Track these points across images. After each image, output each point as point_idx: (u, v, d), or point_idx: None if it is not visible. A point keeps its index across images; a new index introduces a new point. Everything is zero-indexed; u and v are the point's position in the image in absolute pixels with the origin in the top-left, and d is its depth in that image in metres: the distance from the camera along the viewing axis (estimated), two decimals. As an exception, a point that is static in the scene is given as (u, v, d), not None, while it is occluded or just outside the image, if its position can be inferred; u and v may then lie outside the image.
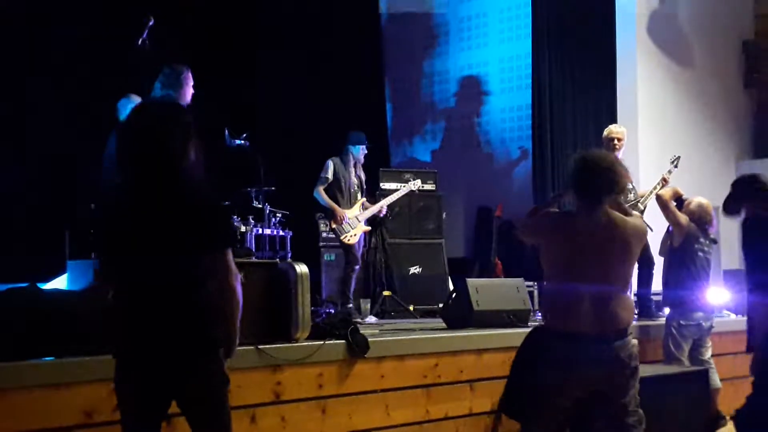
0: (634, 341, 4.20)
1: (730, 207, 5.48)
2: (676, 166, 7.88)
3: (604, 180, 4.11)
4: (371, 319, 7.86)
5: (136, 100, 5.82)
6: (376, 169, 9.11)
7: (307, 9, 10.49)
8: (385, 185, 9.27)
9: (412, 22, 12.42)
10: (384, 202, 8.37)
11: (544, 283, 4.32)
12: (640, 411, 4.20)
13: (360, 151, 8.08)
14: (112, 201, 3.41)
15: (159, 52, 5.64)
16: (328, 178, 7.97)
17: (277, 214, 8.37)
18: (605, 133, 7.92)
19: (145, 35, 5.49)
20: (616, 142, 7.70)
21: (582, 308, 4.04)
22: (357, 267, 8.06)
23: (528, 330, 5.40)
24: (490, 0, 11.69)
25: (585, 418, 4.24)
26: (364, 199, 8.19)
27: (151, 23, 5.50)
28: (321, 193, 7.96)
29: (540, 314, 4.40)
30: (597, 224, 4.11)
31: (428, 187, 9.53)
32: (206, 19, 9.53)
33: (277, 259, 7.36)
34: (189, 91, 6.08)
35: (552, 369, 4.10)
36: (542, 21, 10.20)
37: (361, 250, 8.16)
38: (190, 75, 6.09)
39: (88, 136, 7.82)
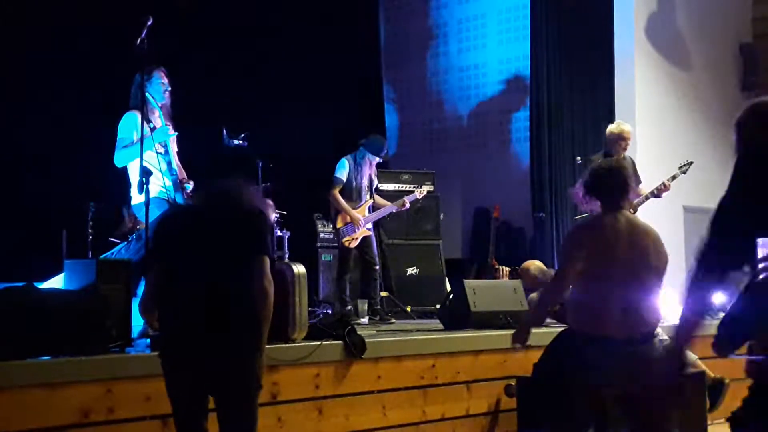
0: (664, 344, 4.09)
1: None
2: (684, 173, 7.76)
3: (620, 183, 4.23)
4: (367, 320, 7.85)
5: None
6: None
7: (305, 7, 10.48)
8: (383, 186, 9.27)
9: (411, 23, 12.42)
10: (386, 210, 8.21)
11: (571, 288, 4.28)
12: None
13: (375, 159, 7.96)
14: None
15: (157, 52, 5.60)
16: (342, 179, 7.86)
17: (275, 214, 8.35)
18: (615, 130, 7.69)
19: (143, 35, 5.45)
20: (626, 143, 7.57)
21: (610, 312, 4.04)
22: (377, 267, 7.93)
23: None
24: (488, 1, 11.69)
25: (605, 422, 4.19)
26: (372, 200, 8.09)
27: (149, 23, 5.46)
28: (336, 196, 7.84)
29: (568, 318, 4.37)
30: (620, 228, 4.15)
31: (426, 188, 9.51)
32: (203, 18, 9.51)
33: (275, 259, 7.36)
34: (161, 89, 5.91)
35: (580, 372, 4.07)
36: (541, 23, 10.20)
37: (375, 249, 8.02)
38: (161, 74, 5.94)
39: (86, 134, 7.83)
